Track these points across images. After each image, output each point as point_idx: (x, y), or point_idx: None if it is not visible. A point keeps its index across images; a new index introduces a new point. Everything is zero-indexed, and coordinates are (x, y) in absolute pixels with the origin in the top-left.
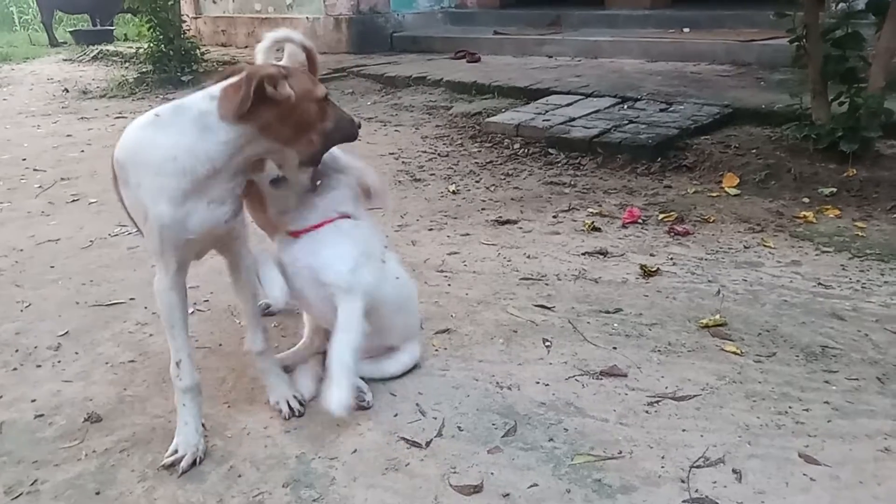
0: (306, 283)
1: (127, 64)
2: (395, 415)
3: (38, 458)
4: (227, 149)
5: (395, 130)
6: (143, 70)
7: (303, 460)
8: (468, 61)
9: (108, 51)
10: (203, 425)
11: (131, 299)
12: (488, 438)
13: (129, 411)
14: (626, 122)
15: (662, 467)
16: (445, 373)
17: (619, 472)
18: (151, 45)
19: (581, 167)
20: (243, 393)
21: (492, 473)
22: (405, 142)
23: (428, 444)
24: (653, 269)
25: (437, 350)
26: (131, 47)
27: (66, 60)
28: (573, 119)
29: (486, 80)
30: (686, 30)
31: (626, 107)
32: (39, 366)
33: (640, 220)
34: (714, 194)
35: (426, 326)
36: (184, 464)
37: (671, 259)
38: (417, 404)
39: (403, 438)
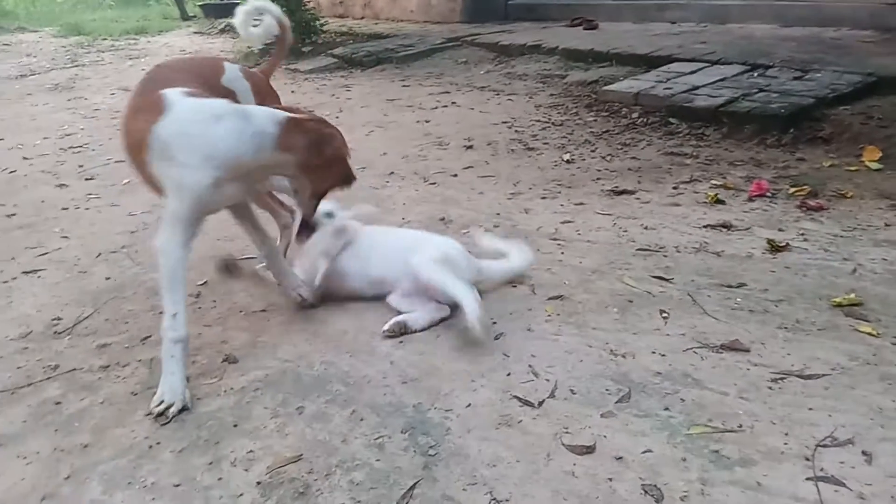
0: None
1: None
2: (508, 374)
3: None
4: (269, 165)
5: (509, 100)
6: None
7: (420, 410)
8: (585, 28)
9: (234, 24)
10: (187, 378)
11: (251, 258)
12: (601, 403)
13: (261, 355)
14: (756, 90)
15: (786, 444)
16: (558, 338)
17: (739, 446)
18: None
19: (704, 137)
20: (364, 344)
21: (604, 436)
22: (518, 111)
23: (540, 403)
24: (781, 245)
25: (549, 316)
26: None
27: (196, 33)
28: (697, 87)
29: (603, 47)
30: None
31: (755, 74)
32: None
33: (768, 194)
34: (853, 168)
35: (539, 293)
36: (173, 410)
37: (802, 235)
38: (530, 366)
39: (516, 397)
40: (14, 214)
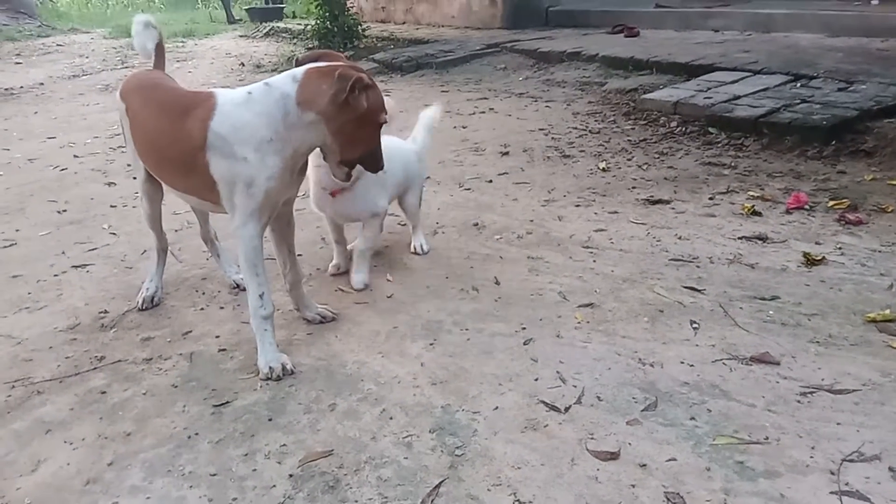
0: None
1: (295, 40)
2: (536, 379)
3: (220, 385)
4: (300, 133)
5: (546, 106)
6: (310, 46)
7: (448, 411)
8: (626, 36)
9: (278, 27)
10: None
11: (299, 255)
12: (628, 410)
13: (296, 353)
14: (798, 101)
15: (811, 457)
16: (587, 345)
17: (764, 458)
18: (318, 21)
19: (743, 148)
20: (395, 345)
21: (629, 443)
22: (555, 118)
23: (567, 409)
24: (817, 258)
25: (579, 323)
26: (299, 24)
27: (241, 36)
28: (738, 97)
29: (644, 55)
30: (874, 2)
31: (798, 85)
32: (222, 307)
33: (806, 206)
34: (895, 182)
35: (569, 300)
36: (278, 373)
37: (839, 248)
38: (558, 372)
39: (543, 402)
40: (65, 210)
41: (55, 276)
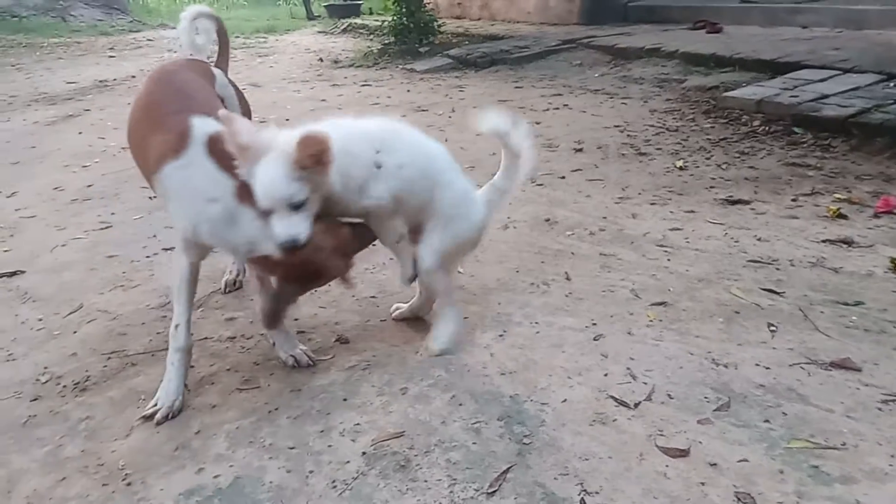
0: None
1: (371, 36)
2: (605, 374)
3: None
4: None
5: (622, 103)
6: (386, 42)
7: (516, 400)
8: (708, 32)
9: (356, 23)
10: (186, 385)
11: (373, 245)
12: (699, 409)
13: (370, 338)
14: (891, 101)
15: (891, 465)
16: (659, 343)
17: (840, 463)
18: (394, 18)
19: (830, 149)
20: (465, 335)
21: (700, 442)
22: (632, 115)
23: (636, 405)
24: None
25: (651, 321)
26: (376, 20)
27: (320, 32)
28: (826, 96)
29: (726, 51)
30: None
31: (891, 84)
32: None
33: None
34: None
35: (642, 297)
36: (159, 416)
37: None
38: (628, 368)
39: (612, 397)
40: (156, 197)
41: (147, 257)
